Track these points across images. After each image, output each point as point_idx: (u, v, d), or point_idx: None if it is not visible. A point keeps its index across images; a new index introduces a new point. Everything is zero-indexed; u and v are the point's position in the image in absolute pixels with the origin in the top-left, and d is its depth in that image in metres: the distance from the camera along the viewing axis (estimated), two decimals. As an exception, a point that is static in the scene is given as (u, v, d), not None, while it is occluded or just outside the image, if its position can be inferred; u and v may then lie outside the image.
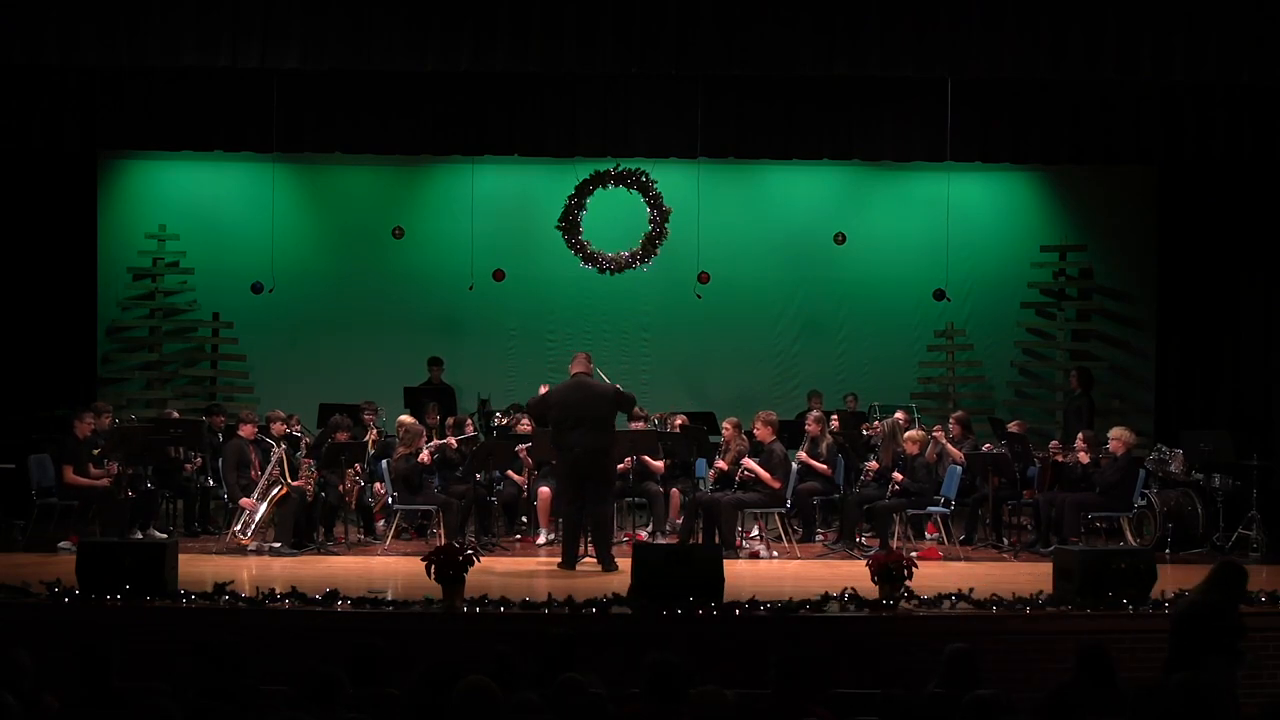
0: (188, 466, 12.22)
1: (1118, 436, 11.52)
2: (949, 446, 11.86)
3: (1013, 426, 12.63)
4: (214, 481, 12.22)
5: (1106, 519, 11.75)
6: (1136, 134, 13.07)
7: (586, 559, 10.55)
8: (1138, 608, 8.53)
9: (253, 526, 11.08)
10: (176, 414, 13.12)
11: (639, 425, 12.14)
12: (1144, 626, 8.37)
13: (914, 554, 9.50)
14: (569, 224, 13.36)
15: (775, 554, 11.39)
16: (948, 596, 8.61)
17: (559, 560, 10.50)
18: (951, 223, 13.58)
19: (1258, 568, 10.86)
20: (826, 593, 8.56)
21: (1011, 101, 12.95)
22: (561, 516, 11.02)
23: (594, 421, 10.39)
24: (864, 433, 12.93)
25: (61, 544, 10.85)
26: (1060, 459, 11.79)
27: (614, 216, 13.79)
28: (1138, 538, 11.64)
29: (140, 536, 11.11)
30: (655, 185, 13.33)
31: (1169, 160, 13.76)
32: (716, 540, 11.00)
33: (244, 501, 11.15)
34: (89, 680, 5.70)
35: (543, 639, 6.18)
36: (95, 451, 11.22)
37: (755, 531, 11.89)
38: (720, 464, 11.66)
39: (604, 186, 13.32)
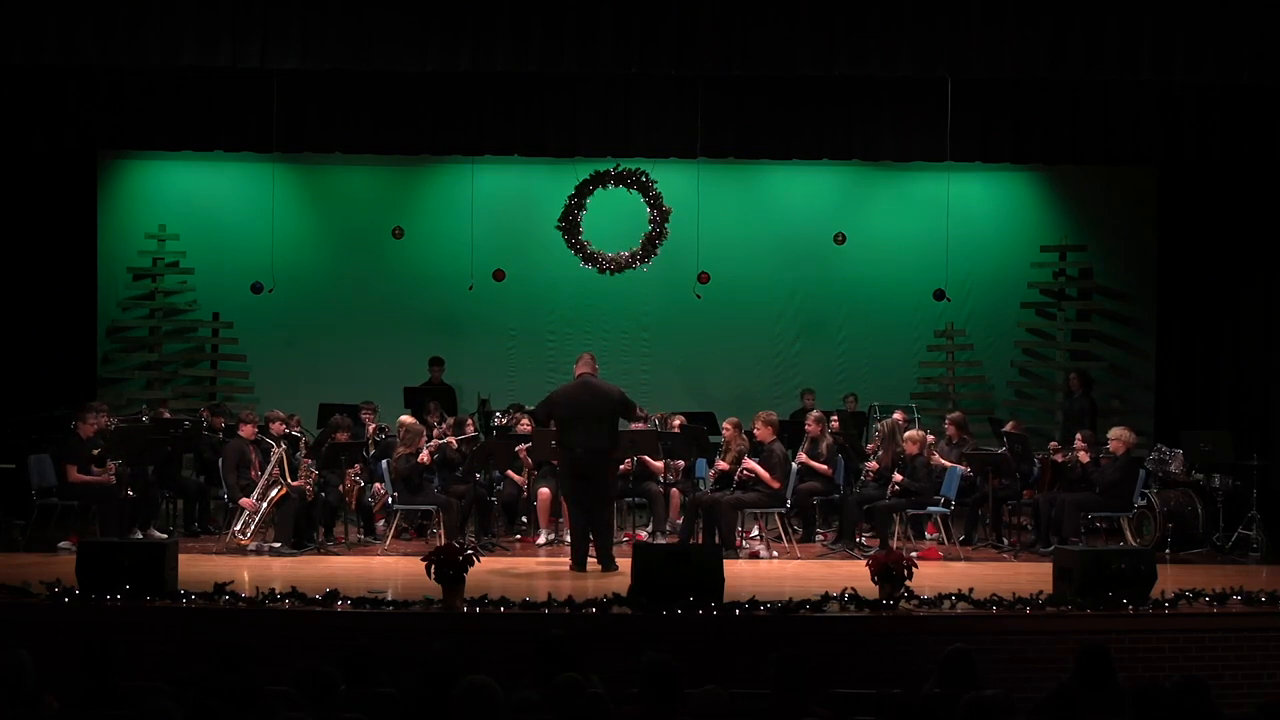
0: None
1: (1118, 436, 11.52)
2: (940, 459, 11.77)
3: (1009, 427, 12.62)
4: (204, 474, 12.28)
5: (1106, 519, 11.75)
6: (1136, 134, 13.09)
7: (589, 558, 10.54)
8: (1138, 608, 8.53)
9: (253, 526, 11.09)
10: (169, 414, 13.12)
11: (639, 425, 12.11)
12: (1144, 626, 8.39)
13: (914, 554, 9.48)
14: (569, 224, 13.36)
15: (775, 554, 11.39)
16: (948, 596, 8.60)
17: (568, 561, 10.46)
18: (951, 223, 13.58)
19: (1258, 568, 10.90)
20: (826, 593, 8.56)
21: (1011, 101, 12.97)
22: (567, 518, 11.02)
23: (597, 423, 10.36)
24: (868, 455, 12.73)
25: (61, 544, 10.85)
26: (1060, 459, 11.79)
27: (614, 216, 13.79)
28: (1138, 538, 11.63)
29: (140, 536, 11.11)
30: (655, 185, 13.32)
31: (1169, 160, 13.78)
32: (716, 540, 11.00)
33: (244, 501, 11.15)
34: (93, 678, 5.69)
35: (538, 642, 6.17)
36: (96, 452, 11.22)
37: (755, 531, 11.89)
38: (720, 464, 11.66)
39: (604, 186, 13.32)
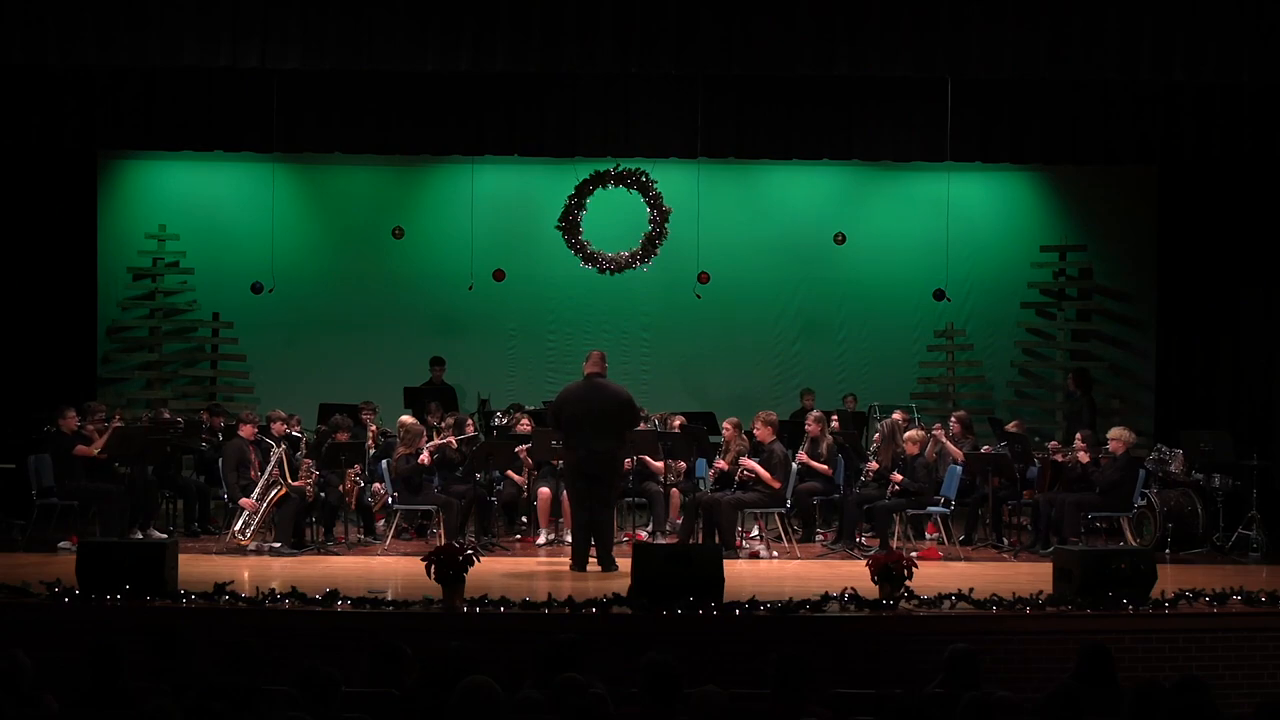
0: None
1: (1117, 436, 11.52)
2: (949, 445, 11.85)
3: (1011, 426, 12.62)
4: (204, 474, 12.27)
5: (1106, 519, 11.75)
6: (1136, 134, 13.07)
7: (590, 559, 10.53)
8: (1138, 608, 8.53)
9: (253, 526, 11.09)
10: (168, 414, 13.12)
11: (639, 425, 12.11)
12: (1144, 626, 8.39)
13: (914, 554, 9.49)
14: (569, 224, 13.37)
15: (775, 554, 11.39)
16: (948, 596, 8.59)
17: (569, 561, 10.45)
18: (951, 223, 13.60)
19: (1258, 568, 10.90)
20: (826, 593, 8.56)
21: (1011, 101, 12.95)
22: (567, 518, 11.02)
23: (603, 424, 10.32)
24: (868, 455, 12.67)
25: (61, 544, 10.86)
26: (1060, 459, 11.79)
27: (614, 216, 13.80)
28: (1138, 538, 11.63)
29: (140, 536, 11.11)
30: (655, 185, 13.33)
31: (1169, 160, 13.77)
32: (716, 540, 10.99)
33: (244, 501, 11.14)
34: (101, 678, 5.69)
35: (548, 644, 6.16)
36: (97, 451, 11.21)
37: (755, 531, 11.89)
38: (720, 464, 11.66)
39: (604, 186, 13.32)
